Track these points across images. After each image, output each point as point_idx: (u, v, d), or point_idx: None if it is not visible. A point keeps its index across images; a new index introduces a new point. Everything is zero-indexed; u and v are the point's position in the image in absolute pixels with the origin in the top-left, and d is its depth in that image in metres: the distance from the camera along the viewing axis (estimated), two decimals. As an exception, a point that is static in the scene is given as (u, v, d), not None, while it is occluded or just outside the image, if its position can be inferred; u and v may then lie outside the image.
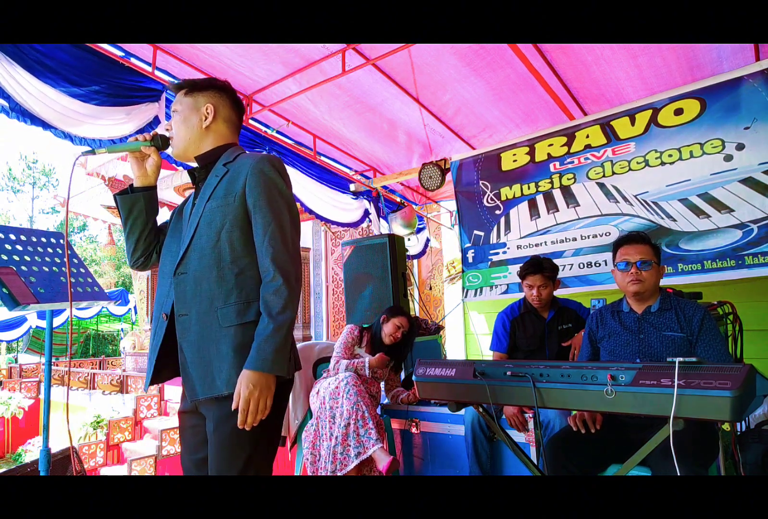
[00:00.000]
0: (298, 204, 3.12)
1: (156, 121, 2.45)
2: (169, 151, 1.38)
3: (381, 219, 4.20)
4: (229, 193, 1.25)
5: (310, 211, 3.68)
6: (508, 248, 3.37)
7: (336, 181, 3.86)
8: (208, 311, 1.20)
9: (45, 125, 2.10)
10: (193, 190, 1.39)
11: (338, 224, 4.03)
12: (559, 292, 2.65)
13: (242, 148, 1.39)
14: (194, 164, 1.37)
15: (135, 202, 1.34)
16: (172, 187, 5.70)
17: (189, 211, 1.33)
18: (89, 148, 1.31)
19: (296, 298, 1.20)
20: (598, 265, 2.99)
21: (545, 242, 3.21)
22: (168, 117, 2.40)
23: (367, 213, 4.12)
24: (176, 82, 1.39)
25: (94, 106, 2.21)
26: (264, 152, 3.02)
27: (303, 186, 3.53)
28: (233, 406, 1.12)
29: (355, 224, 4.11)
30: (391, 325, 2.59)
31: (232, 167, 1.29)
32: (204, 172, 1.34)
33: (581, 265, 3.05)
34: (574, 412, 1.77)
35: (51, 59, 2.04)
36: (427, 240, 5.05)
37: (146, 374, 1.31)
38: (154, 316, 1.32)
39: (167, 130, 1.36)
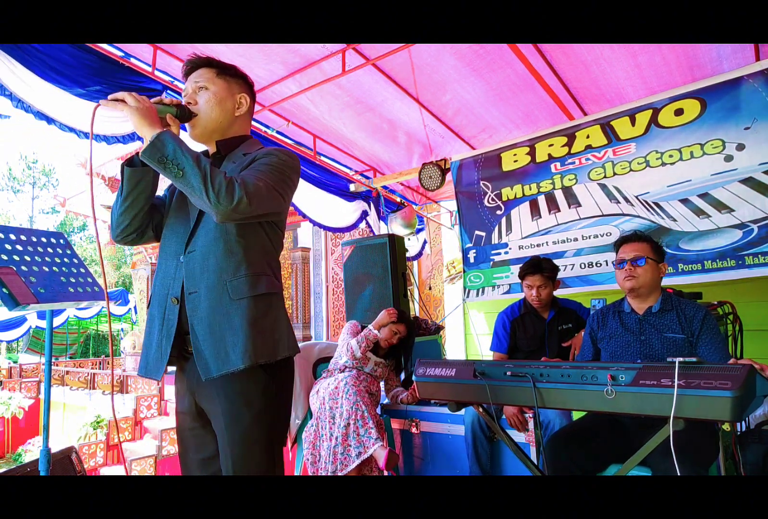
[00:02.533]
0: (291, 208, 3.15)
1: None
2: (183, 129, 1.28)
3: (380, 220, 4.18)
4: (238, 167, 1.24)
5: (303, 215, 3.68)
6: (510, 248, 3.37)
7: (335, 181, 3.85)
8: (217, 285, 1.18)
9: (49, 119, 2.15)
10: None
11: (331, 229, 4.00)
12: (560, 292, 2.65)
13: (260, 143, 1.38)
14: (202, 146, 1.34)
15: (144, 175, 1.21)
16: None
17: None
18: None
19: (242, 204, 1.09)
20: (599, 265, 3.00)
21: (546, 242, 3.21)
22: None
23: (363, 215, 4.08)
24: (201, 56, 1.30)
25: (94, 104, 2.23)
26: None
27: (298, 189, 3.52)
28: None
29: (349, 229, 4.07)
30: (387, 330, 2.57)
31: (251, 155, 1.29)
32: (220, 157, 1.32)
33: (582, 265, 3.05)
34: (574, 413, 1.77)
35: (52, 59, 2.06)
36: (425, 241, 5.04)
37: (157, 361, 1.21)
38: (156, 299, 1.26)
39: (189, 103, 1.26)
